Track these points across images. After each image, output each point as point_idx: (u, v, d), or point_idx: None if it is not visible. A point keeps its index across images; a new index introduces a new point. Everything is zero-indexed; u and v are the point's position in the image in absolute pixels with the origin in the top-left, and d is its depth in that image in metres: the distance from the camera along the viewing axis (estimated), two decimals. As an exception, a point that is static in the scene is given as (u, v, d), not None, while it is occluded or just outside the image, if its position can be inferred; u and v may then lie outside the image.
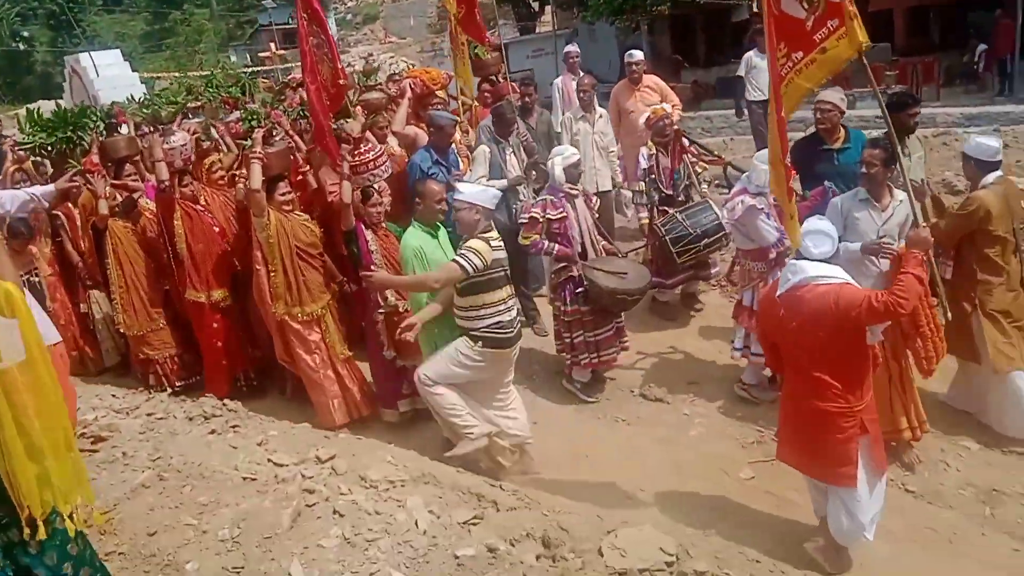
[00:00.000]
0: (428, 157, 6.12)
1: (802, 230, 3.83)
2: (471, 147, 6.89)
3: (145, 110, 7.15)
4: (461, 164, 6.58)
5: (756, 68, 9.74)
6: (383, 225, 5.48)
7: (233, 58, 44.53)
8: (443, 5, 8.05)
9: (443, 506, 4.00)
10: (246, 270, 5.86)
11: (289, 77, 8.52)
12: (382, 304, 5.36)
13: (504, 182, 6.42)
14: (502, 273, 4.70)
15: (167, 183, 5.71)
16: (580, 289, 5.65)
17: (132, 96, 7.90)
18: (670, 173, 6.56)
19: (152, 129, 6.80)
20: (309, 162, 6.20)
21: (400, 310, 5.33)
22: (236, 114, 6.81)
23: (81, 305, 6.59)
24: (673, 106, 7.55)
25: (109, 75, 22.15)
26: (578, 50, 8.94)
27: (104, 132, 6.83)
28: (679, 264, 6.28)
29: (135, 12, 57.46)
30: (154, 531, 3.75)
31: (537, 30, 26.49)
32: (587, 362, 5.82)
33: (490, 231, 4.68)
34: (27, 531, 2.66)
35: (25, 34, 50.27)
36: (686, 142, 6.76)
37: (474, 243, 4.57)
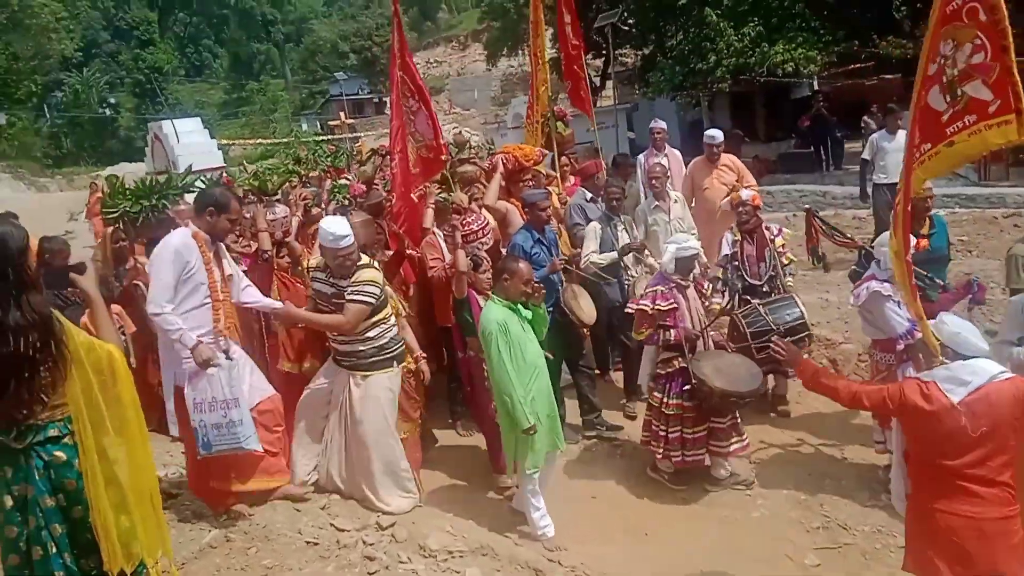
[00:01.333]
0: (529, 237, 6.09)
1: (951, 327, 3.53)
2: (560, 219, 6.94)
3: (254, 181, 7.25)
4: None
5: (882, 150, 9.66)
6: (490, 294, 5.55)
7: (304, 126, 46.37)
8: (534, 80, 8.14)
9: (501, 579, 4.00)
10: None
11: (379, 145, 8.83)
12: None
13: (614, 254, 6.40)
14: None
15: (269, 253, 5.80)
16: (687, 385, 5.39)
17: (244, 165, 8.15)
18: (755, 261, 6.35)
19: (258, 199, 6.91)
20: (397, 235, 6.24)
21: None
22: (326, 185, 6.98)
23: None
24: (750, 186, 7.48)
25: (189, 141, 23.27)
26: (664, 126, 8.82)
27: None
28: (756, 359, 5.79)
29: (215, 82, 60.54)
30: (220, 592, 3.82)
31: (599, 103, 27.02)
32: (678, 459, 5.54)
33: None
34: (114, 582, 2.73)
35: (112, 100, 53.30)
36: (774, 234, 6.48)
37: (361, 274, 4.68)
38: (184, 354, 4.24)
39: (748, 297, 6.23)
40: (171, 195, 6.81)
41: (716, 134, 7.89)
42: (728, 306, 6.09)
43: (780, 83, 19.89)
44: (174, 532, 4.38)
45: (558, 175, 7.84)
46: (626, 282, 6.50)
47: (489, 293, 5.38)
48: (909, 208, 3.80)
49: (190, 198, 7.28)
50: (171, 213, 6.36)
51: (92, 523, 2.72)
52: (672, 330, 5.41)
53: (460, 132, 8.30)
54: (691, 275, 5.58)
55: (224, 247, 4.67)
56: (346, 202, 6.30)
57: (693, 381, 5.29)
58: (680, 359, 5.45)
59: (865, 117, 19.82)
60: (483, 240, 5.86)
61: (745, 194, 6.52)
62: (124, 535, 2.75)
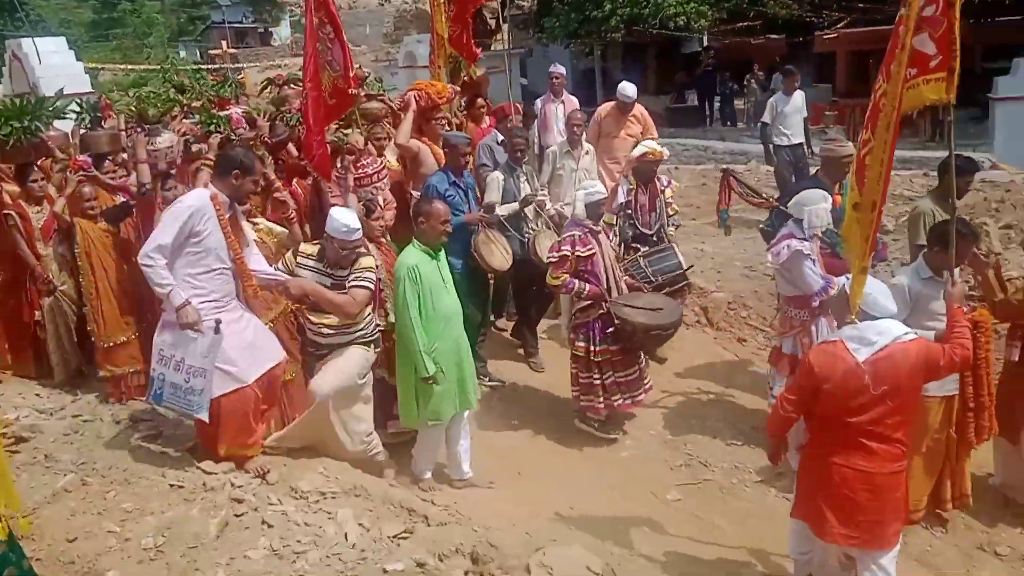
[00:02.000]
0: (445, 179, 5.94)
1: (867, 288, 3.67)
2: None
3: (134, 107, 6.55)
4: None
5: (781, 113, 9.82)
6: (384, 240, 5.36)
7: (183, 53, 43.67)
8: (432, 24, 7.72)
9: (374, 519, 4.00)
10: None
11: (275, 75, 8.30)
12: (382, 323, 5.10)
13: (515, 206, 6.32)
14: None
15: (148, 186, 5.37)
16: (611, 328, 5.43)
17: (128, 91, 7.43)
18: (647, 211, 6.38)
19: (138, 128, 6.32)
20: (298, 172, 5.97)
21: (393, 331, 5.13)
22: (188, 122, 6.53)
23: (36, 313, 5.92)
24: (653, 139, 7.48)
25: (52, 63, 21.49)
26: (563, 71, 8.65)
27: (89, 124, 6.46)
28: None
29: (83, 0, 56.05)
30: (74, 537, 3.64)
31: (492, 47, 26.67)
32: (621, 403, 5.59)
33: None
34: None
35: (-37, 14, 48.60)
36: (664, 185, 6.55)
37: (362, 262, 4.57)
38: (168, 308, 4.10)
39: (637, 245, 6.30)
40: (45, 118, 6.18)
41: (630, 91, 7.75)
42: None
43: (672, 36, 20.20)
44: (25, 476, 4.16)
45: (464, 119, 7.62)
46: (527, 235, 6.40)
47: (381, 240, 5.28)
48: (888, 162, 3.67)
49: (61, 124, 6.74)
50: (44, 137, 5.83)
51: None
52: (587, 285, 5.42)
53: (358, 67, 7.99)
54: (601, 220, 5.60)
55: (238, 209, 4.41)
56: (230, 136, 5.88)
57: (616, 323, 5.34)
58: (598, 307, 5.47)
59: (748, 76, 20.49)
60: (378, 184, 5.64)
61: (664, 151, 6.53)
62: None
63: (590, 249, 5.44)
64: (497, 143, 6.93)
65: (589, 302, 5.50)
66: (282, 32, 53.63)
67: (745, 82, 20.43)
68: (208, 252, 4.16)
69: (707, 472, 5.35)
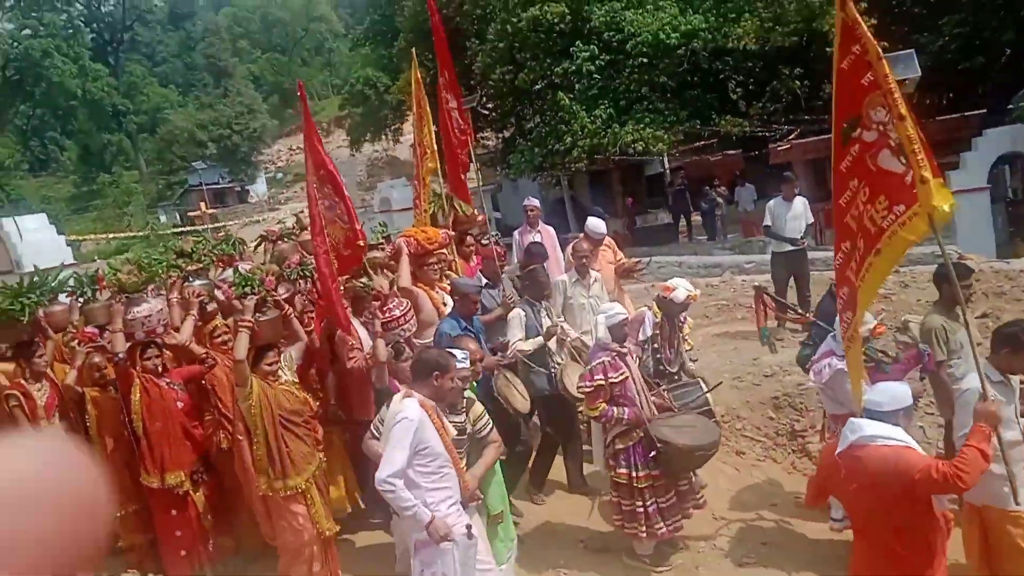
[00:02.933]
0: (456, 326, 5.81)
1: (882, 387, 3.65)
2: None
3: (114, 277, 6.41)
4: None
5: (779, 217, 9.69)
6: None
7: (162, 218, 44.77)
8: (419, 170, 7.88)
9: None
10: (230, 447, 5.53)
11: (266, 230, 8.38)
12: None
13: (540, 340, 6.23)
14: None
15: (121, 355, 5.32)
16: (653, 452, 5.25)
17: (107, 265, 7.31)
18: (669, 347, 6.12)
19: (119, 298, 6.23)
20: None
21: None
22: (228, 274, 6.49)
23: None
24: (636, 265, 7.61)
25: (34, 240, 21.97)
26: (537, 203, 8.79)
27: (87, 297, 6.41)
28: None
29: (62, 176, 57.69)
30: None
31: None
32: (662, 531, 5.35)
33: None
34: None
35: (-57, 198, 49.81)
36: (682, 321, 6.35)
37: (477, 408, 4.60)
38: (416, 527, 4.05)
39: (657, 380, 6.00)
40: (46, 293, 6.11)
41: (600, 228, 7.81)
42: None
43: (633, 161, 21.02)
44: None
45: (456, 259, 7.56)
46: (552, 369, 6.27)
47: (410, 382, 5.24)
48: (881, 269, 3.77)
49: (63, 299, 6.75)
50: (41, 314, 5.82)
51: None
52: (625, 409, 5.31)
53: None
54: (625, 341, 5.54)
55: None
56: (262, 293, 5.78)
57: (658, 445, 5.20)
58: (637, 430, 5.34)
59: (706, 188, 21.28)
60: (405, 327, 5.63)
61: (696, 291, 6.30)
62: None
63: (622, 374, 5.34)
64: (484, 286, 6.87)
65: (626, 428, 5.34)
66: (259, 188, 55.23)
67: (706, 195, 21.17)
68: (435, 456, 4.12)
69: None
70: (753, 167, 20.30)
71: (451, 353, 4.46)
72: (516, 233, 8.94)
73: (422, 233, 6.75)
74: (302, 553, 5.03)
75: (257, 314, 5.15)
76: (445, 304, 6.39)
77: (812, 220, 10.11)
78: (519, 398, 5.88)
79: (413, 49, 9.68)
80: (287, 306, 5.50)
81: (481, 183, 23.68)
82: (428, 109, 8.00)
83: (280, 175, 59.25)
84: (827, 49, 16.97)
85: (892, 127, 3.65)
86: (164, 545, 5.52)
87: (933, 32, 16.78)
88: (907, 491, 3.34)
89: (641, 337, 6.09)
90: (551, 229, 8.92)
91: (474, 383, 4.88)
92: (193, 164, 52.42)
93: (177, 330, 5.79)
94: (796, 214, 9.66)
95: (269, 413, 4.99)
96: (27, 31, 56.41)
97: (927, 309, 9.12)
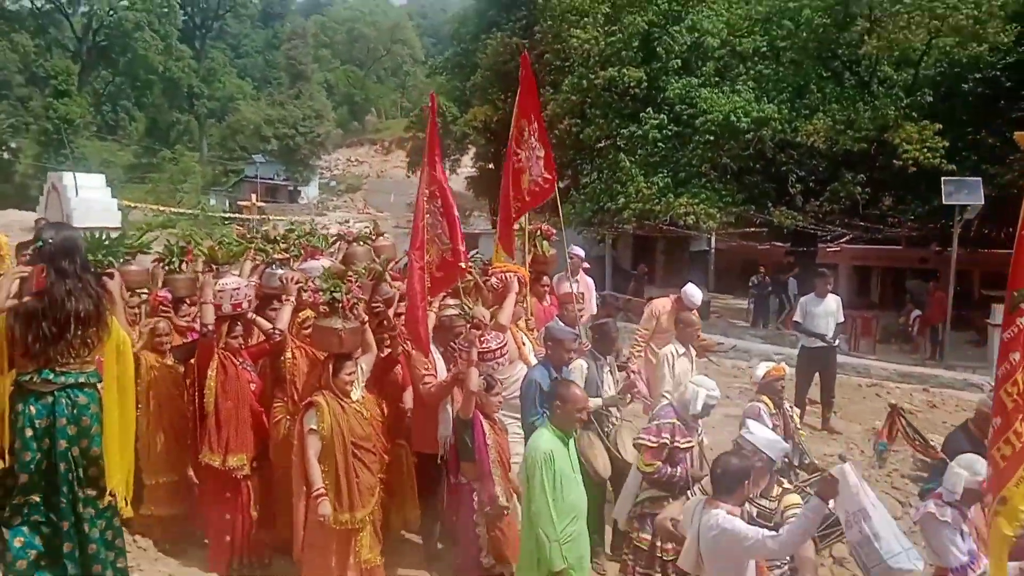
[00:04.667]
0: (547, 374, 5.53)
1: None
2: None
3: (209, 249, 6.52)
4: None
5: (810, 313, 9.61)
6: (498, 417, 5.21)
7: (212, 201, 45.58)
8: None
9: None
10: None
11: (344, 231, 8.27)
12: (488, 504, 4.89)
13: (599, 400, 5.89)
14: None
15: (209, 327, 5.21)
16: None
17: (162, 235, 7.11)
18: (785, 437, 5.59)
19: (209, 269, 6.26)
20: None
21: (506, 512, 4.95)
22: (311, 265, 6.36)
23: None
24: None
25: (88, 197, 22.47)
26: (582, 253, 8.45)
27: (173, 266, 6.36)
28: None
29: (127, 144, 59.15)
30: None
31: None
32: None
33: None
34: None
35: (13, 145, 51.20)
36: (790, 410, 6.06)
37: (789, 499, 4.29)
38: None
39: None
40: (121, 252, 6.12)
41: (697, 297, 7.60)
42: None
43: (680, 233, 21.03)
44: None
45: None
46: (607, 429, 5.97)
47: (495, 418, 5.12)
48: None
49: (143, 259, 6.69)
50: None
51: (103, 451, 3.75)
52: (680, 467, 5.09)
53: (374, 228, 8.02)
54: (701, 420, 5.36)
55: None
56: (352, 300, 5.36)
57: None
58: (671, 499, 5.02)
59: (753, 278, 21.19)
60: (500, 361, 5.42)
61: (787, 368, 6.09)
62: (118, 467, 3.78)
63: (689, 442, 5.15)
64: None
65: (662, 493, 5.08)
66: (310, 191, 56.16)
67: (750, 283, 21.07)
68: None
69: None
70: (798, 262, 20.20)
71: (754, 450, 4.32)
72: (555, 277, 8.89)
73: (519, 271, 6.54)
74: None
75: (342, 322, 4.96)
76: (523, 344, 6.25)
77: (843, 320, 10.01)
78: (601, 461, 5.63)
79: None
80: (365, 315, 5.30)
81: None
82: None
83: (333, 183, 60.25)
84: (894, 161, 16.99)
85: None
86: (210, 526, 5.44)
87: (1004, 165, 16.70)
88: None
89: None
90: (590, 280, 8.88)
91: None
92: (253, 156, 53.61)
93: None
94: (828, 311, 9.58)
95: (341, 440, 4.79)
96: (124, 2, 58.41)
97: (943, 430, 9.02)
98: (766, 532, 3.59)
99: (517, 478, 5.23)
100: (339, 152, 64.86)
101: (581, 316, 7.08)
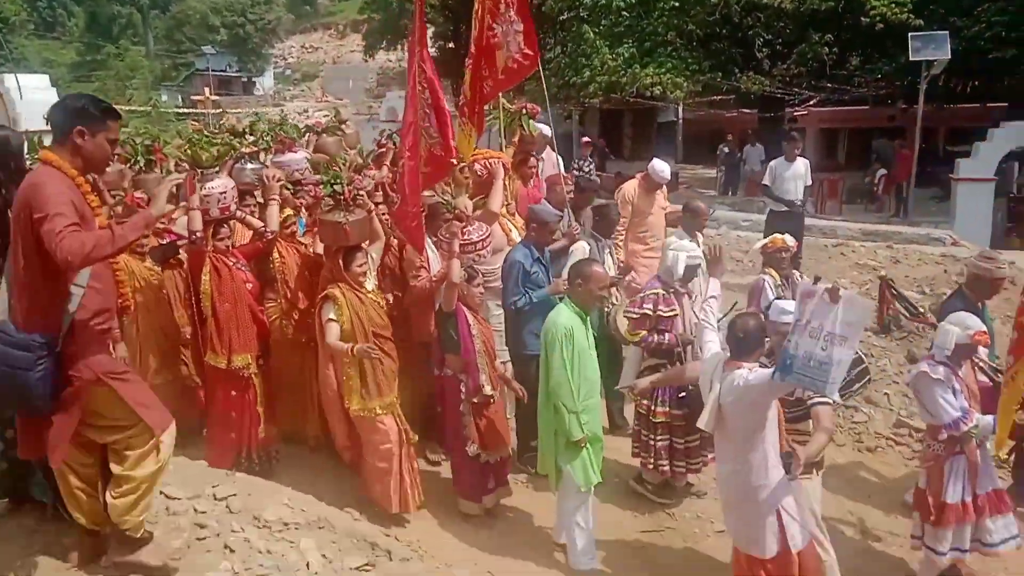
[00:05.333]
0: (530, 255, 5.54)
1: None
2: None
3: (188, 150, 6.23)
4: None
5: (780, 177, 9.58)
6: (481, 309, 5.23)
7: (165, 97, 43.96)
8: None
9: (336, 551, 3.97)
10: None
11: (312, 122, 7.98)
12: (474, 394, 4.99)
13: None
14: None
15: (199, 234, 5.16)
16: (683, 393, 5.19)
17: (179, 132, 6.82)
18: None
19: (192, 173, 5.99)
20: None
21: (492, 401, 5.05)
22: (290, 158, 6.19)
23: None
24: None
25: (33, 99, 21.48)
26: (548, 131, 7.80)
27: (142, 167, 6.18)
28: None
29: (68, 41, 56.36)
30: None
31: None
32: (665, 468, 5.35)
33: None
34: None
35: (-55, 48, 48.63)
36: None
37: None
38: None
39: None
40: None
41: (664, 170, 7.46)
42: None
43: (647, 105, 20.74)
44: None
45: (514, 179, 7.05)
46: (607, 310, 6.04)
47: (478, 310, 5.14)
48: None
49: None
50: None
51: None
52: (667, 334, 5.25)
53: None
54: (689, 283, 5.46)
55: None
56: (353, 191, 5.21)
57: (689, 387, 5.06)
58: (669, 366, 5.25)
59: (721, 146, 21.13)
60: (482, 252, 5.46)
61: (789, 239, 6.09)
62: None
63: (673, 310, 5.27)
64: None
65: (660, 360, 5.29)
66: (265, 82, 54.30)
67: (717, 152, 21.03)
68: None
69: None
70: (766, 128, 20.10)
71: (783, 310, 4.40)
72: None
73: (501, 157, 6.42)
74: (390, 471, 4.95)
75: (345, 214, 4.91)
76: (510, 231, 6.23)
77: (811, 183, 10.05)
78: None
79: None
80: (371, 205, 5.23)
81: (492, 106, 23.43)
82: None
83: (289, 72, 58.24)
84: (862, 19, 16.68)
85: None
86: (214, 425, 5.46)
87: (971, 17, 16.46)
88: None
89: (764, 303, 5.70)
90: (554, 155, 8.66)
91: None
92: (202, 48, 51.44)
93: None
94: (796, 175, 9.59)
95: (363, 330, 4.84)
96: None
97: (906, 284, 9.27)
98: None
99: (503, 367, 5.39)
100: (292, 39, 62.37)
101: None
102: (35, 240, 2.91)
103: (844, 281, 9.76)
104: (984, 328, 4.62)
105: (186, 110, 33.30)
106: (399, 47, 33.46)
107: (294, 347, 5.56)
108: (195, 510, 4.08)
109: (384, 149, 6.69)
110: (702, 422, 3.95)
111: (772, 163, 10.05)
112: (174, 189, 3.67)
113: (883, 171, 18.90)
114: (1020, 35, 15.71)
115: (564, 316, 4.52)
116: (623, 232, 7.30)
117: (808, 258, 10.97)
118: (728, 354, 3.98)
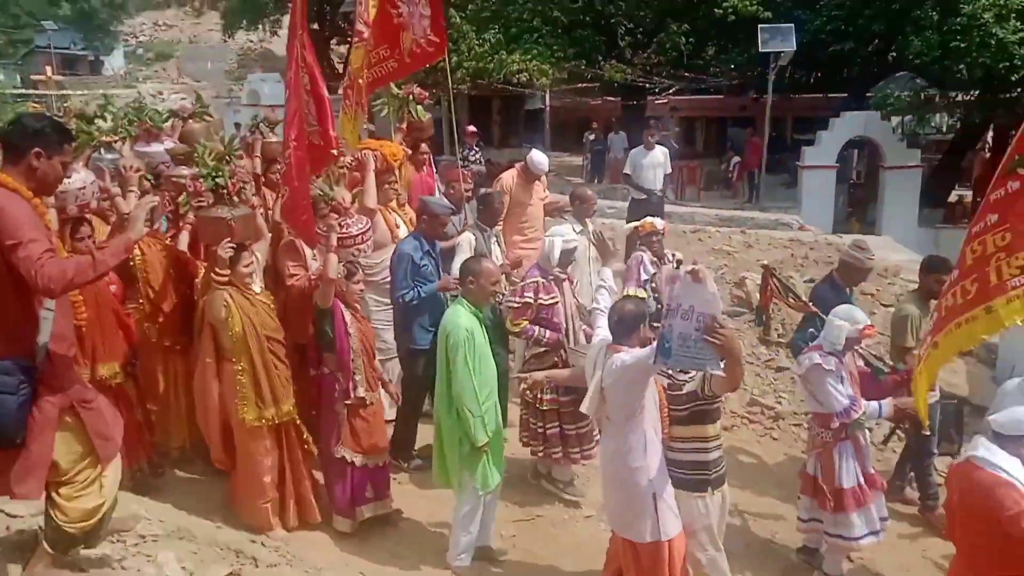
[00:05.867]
0: (419, 247, 5.43)
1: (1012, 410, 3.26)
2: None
3: None
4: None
5: (639, 165, 9.76)
6: (359, 306, 5.02)
7: (0, 77, 40.63)
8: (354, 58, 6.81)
9: (198, 562, 3.84)
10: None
11: (178, 107, 7.42)
12: (345, 396, 4.80)
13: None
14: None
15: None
16: None
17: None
18: (660, 288, 5.91)
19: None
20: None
21: (368, 403, 4.87)
22: (187, 171, 5.48)
23: None
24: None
25: None
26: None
27: None
28: None
29: None
30: None
31: (337, 92, 26.60)
32: (558, 455, 5.37)
33: None
34: None
35: None
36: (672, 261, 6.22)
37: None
38: None
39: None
40: None
41: (543, 161, 7.49)
42: None
43: (515, 92, 20.93)
44: None
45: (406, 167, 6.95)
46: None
47: (357, 307, 4.95)
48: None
49: None
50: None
51: None
52: (547, 332, 5.27)
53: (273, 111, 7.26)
54: (568, 268, 5.48)
55: None
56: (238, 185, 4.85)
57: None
58: (554, 355, 5.29)
59: (587, 134, 21.63)
60: (362, 247, 5.24)
61: (659, 222, 6.26)
62: None
63: (553, 297, 5.29)
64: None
65: (544, 349, 5.32)
66: (115, 61, 51.05)
67: (584, 140, 21.52)
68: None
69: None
70: (630, 117, 20.72)
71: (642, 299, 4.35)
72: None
73: (385, 147, 6.22)
74: (266, 488, 4.69)
75: (229, 210, 4.59)
76: (398, 227, 6.08)
77: (670, 171, 10.35)
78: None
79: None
80: (256, 200, 4.97)
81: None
82: None
83: (141, 51, 54.95)
84: (715, 10, 17.41)
85: None
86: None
87: (814, 11, 17.51)
88: (992, 525, 3.15)
89: (644, 277, 5.92)
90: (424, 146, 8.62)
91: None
92: (43, 23, 47.65)
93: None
94: (655, 162, 9.85)
95: (255, 335, 4.55)
96: None
97: (757, 268, 9.81)
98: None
99: (383, 367, 5.30)
100: (143, 15, 58.74)
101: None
102: (4, 265, 2.80)
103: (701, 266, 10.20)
104: (870, 322, 4.88)
105: (25, 91, 30.95)
106: (261, 27, 32.22)
107: (156, 352, 5.15)
108: (40, 527, 3.84)
109: (253, 138, 6.37)
110: (585, 406, 4.04)
111: (632, 152, 10.32)
112: (150, 212, 3.51)
113: (737, 159, 19.93)
114: (858, 29, 16.83)
115: (463, 317, 4.41)
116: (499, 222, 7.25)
117: (668, 244, 11.37)
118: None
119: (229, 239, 4.58)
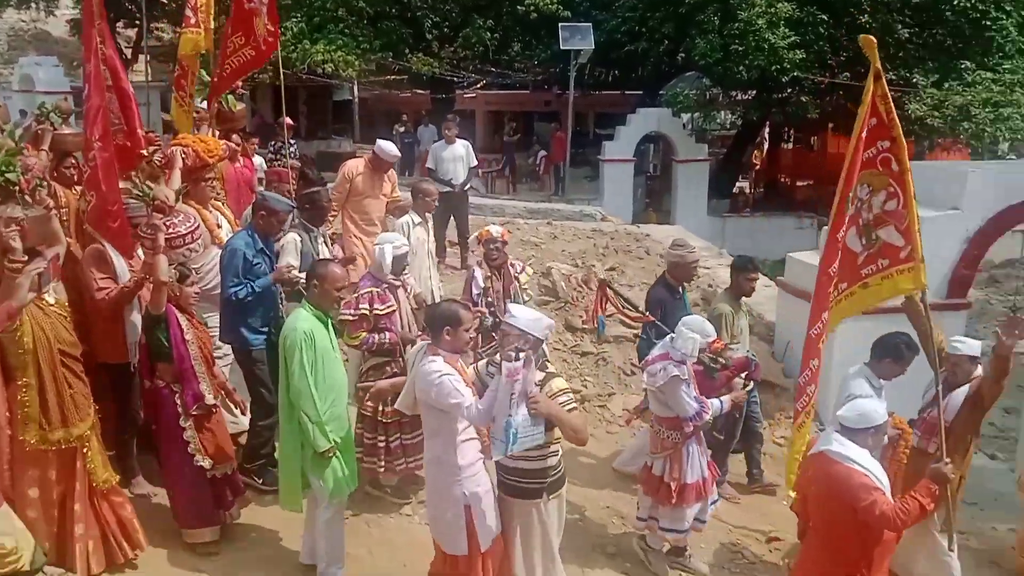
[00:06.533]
0: (252, 244, 5.11)
1: (854, 404, 3.81)
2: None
3: None
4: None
5: (441, 159, 9.72)
6: (194, 310, 4.65)
7: None
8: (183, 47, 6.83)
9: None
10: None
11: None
12: (193, 405, 4.45)
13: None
14: None
15: None
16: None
17: None
18: (502, 298, 5.84)
19: None
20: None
21: (214, 411, 4.57)
22: None
23: None
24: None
25: None
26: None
27: None
28: None
29: None
30: None
31: (130, 78, 24.75)
32: (402, 467, 5.24)
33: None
34: None
35: None
36: (518, 271, 6.19)
37: (556, 384, 3.96)
38: None
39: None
40: None
41: (392, 150, 7.36)
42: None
43: (321, 83, 20.41)
44: None
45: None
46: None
47: (192, 312, 4.57)
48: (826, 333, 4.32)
49: None
50: None
51: None
52: (387, 333, 5.11)
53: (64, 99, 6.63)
54: (401, 274, 5.33)
55: None
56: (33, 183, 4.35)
57: None
58: (393, 364, 5.15)
59: (396, 126, 21.49)
60: (191, 247, 4.95)
61: (495, 230, 6.09)
62: None
63: (390, 306, 5.17)
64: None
65: (383, 360, 5.18)
66: None
67: (393, 132, 21.35)
68: None
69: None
70: (440, 109, 20.82)
71: (464, 305, 4.19)
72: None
73: (201, 143, 5.83)
74: (56, 520, 4.12)
75: (22, 209, 4.07)
76: (220, 226, 5.70)
77: (475, 164, 10.46)
78: None
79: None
80: (51, 200, 4.45)
81: (150, 79, 21.56)
82: None
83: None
84: (518, 8, 17.84)
85: (867, 207, 4.06)
86: None
87: (609, 11, 18.37)
88: (848, 513, 3.55)
89: (475, 291, 5.84)
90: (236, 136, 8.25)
91: None
92: None
93: None
94: (456, 156, 9.87)
95: (47, 349, 3.97)
96: None
97: (563, 258, 10.21)
98: (471, 400, 3.68)
99: (222, 373, 5.03)
100: None
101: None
102: None
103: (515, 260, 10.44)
104: (717, 336, 5.25)
105: None
106: (34, 5, 29.21)
107: None
108: None
109: (40, 129, 5.61)
110: (400, 403, 4.00)
111: (433, 146, 10.34)
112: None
113: (543, 152, 20.57)
114: (649, 30, 17.85)
115: (303, 320, 4.26)
116: (335, 210, 7.04)
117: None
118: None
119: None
